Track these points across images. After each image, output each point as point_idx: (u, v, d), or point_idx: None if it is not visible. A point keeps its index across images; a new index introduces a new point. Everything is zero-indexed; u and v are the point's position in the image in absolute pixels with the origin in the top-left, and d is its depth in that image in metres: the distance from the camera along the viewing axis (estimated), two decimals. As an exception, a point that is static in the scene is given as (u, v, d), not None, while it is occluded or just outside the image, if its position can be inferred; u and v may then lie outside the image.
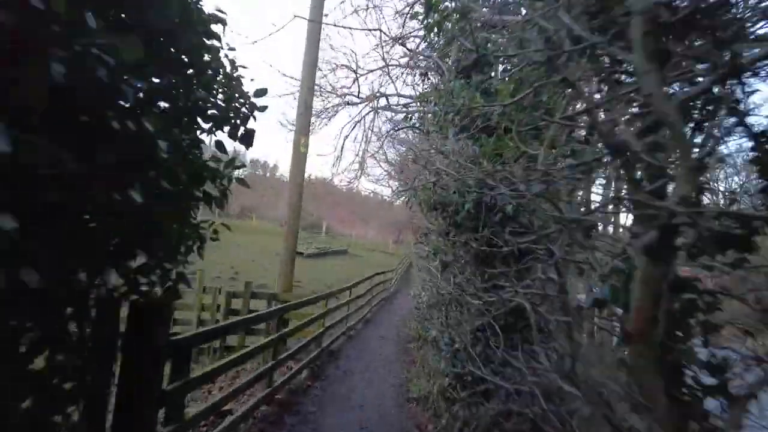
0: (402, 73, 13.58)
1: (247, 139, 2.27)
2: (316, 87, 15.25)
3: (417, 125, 4.74)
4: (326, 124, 16.11)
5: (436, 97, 4.29)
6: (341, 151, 16.80)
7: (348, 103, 15.30)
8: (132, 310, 2.72)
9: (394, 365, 7.72)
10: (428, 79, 4.38)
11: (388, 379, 6.91)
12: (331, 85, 15.19)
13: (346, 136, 16.78)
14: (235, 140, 2.25)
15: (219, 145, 2.23)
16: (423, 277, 5.55)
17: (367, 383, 6.55)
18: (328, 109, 15.87)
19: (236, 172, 2.68)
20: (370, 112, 16.69)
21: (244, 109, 2.21)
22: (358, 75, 15.54)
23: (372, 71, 15.56)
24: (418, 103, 14.74)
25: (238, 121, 2.23)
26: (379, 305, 15.32)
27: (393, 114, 16.76)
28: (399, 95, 16.21)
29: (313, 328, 7.00)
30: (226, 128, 2.22)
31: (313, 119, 15.50)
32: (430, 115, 4.46)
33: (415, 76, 15.24)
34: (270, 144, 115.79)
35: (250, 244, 29.89)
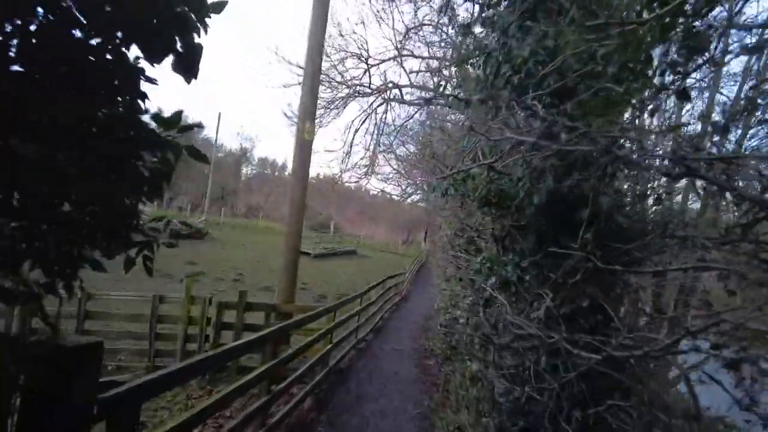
0: (432, 29, 12.44)
1: (188, 62, 1.20)
2: (324, 76, 14.26)
3: (454, 95, 3.64)
4: (337, 116, 15.15)
5: (480, 56, 3.22)
6: (350, 146, 15.84)
7: (357, 93, 14.28)
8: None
9: (413, 388, 6.65)
10: (470, 34, 3.33)
11: (407, 407, 5.83)
12: (341, 74, 14.17)
13: (356, 130, 15.81)
14: (159, 62, 1.19)
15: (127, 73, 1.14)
16: (457, 292, 4.48)
17: (383, 414, 5.48)
18: (336, 101, 14.91)
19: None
20: (381, 104, 15.70)
21: (183, 8, 1.15)
22: (369, 65, 14.54)
23: (384, 61, 14.57)
24: (452, 70, 13.65)
25: (172, 31, 1.17)
26: (391, 311, 14.26)
27: (407, 106, 15.74)
28: (413, 86, 15.22)
29: (319, 345, 5.96)
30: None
31: (321, 111, 14.53)
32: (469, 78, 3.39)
33: (430, 62, 14.20)
34: (277, 142, 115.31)
35: (257, 244, 29.04)
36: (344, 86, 14.92)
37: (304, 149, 6.27)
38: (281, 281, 6.42)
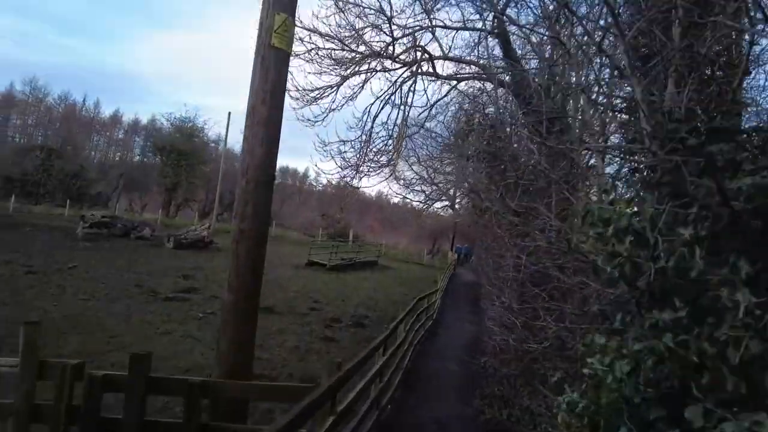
0: None
1: None
2: (337, 43, 11.26)
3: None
4: (353, 98, 12.01)
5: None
6: (369, 134, 12.56)
7: (380, 60, 11.16)
8: None
9: None
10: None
11: None
12: (359, 35, 11.03)
13: (379, 110, 12.47)
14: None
15: None
16: None
17: None
18: (358, 73, 11.76)
19: None
20: (408, 79, 12.45)
21: None
22: (395, 38, 11.37)
23: (413, 31, 11.40)
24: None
25: None
26: (423, 341, 10.93)
27: (436, 86, 12.54)
28: (448, 58, 12.05)
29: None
30: None
31: (327, 87, 11.52)
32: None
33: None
34: (293, 152, 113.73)
35: (266, 254, 26.07)
36: (364, 58, 11.69)
37: (270, 65, 3.08)
38: (224, 334, 3.10)
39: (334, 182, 11.81)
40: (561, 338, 4.34)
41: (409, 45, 11.66)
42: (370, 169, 11.78)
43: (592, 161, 4.51)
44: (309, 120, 11.99)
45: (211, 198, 33.08)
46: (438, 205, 35.17)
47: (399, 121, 11.39)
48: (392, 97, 12.14)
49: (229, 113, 27.92)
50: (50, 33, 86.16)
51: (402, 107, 11.26)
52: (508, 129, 7.25)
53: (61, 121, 58.56)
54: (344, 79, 10.98)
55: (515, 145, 6.66)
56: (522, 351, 5.79)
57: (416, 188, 32.07)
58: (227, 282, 3.15)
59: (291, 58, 12.14)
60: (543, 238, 3.52)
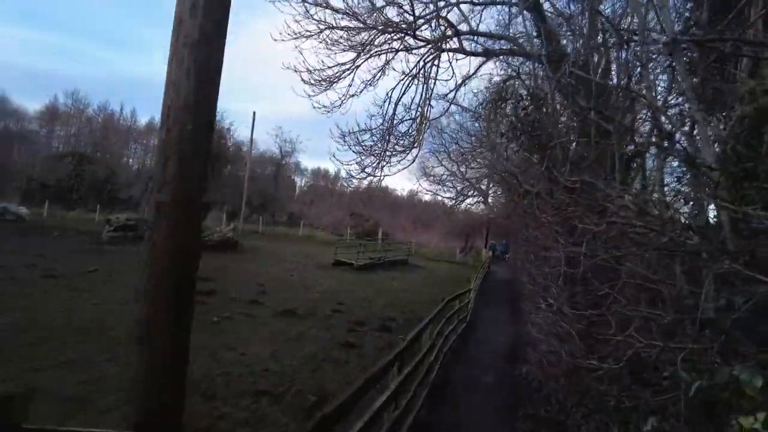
0: None
1: None
2: (352, 18, 10.23)
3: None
4: (374, 83, 10.95)
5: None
6: (391, 120, 11.45)
7: (401, 34, 10.04)
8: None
9: None
10: None
11: None
12: (377, 11, 9.95)
13: (398, 99, 11.34)
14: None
15: None
16: None
17: None
18: (379, 53, 10.72)
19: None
20: (431, 57, 11.26)
21: None
22: (416, 16, 10.23)
23: (437, 8, 10.25)
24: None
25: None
26: (455, 346, 9.73)
27: (465, 63, 11.34)
28: (477, 33, 10.82)
29: None
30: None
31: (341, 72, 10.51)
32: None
33: None
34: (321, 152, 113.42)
35: (293, 254, 25.50)
36: (383, 33, 10.57)
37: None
38: (139, 364, 1.98)
39: (354, 173, 10.56)
40: (639, 355, 3.10)
41: (432, 17, 10.45)
42: (393, 155, 10.69)
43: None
44: (325, 107, 11.01)
45: (238, 200, 32.98)
46: (470, 200, 33.59)
47: (423, 101, 10.25)
48: (416, 78, 11.01)
49: (254, 113, 27.52)
50: (91, 47, 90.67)
51: (426, 84, 10.11)
52: (548, 96, 6.01)
53: (100, 131, 60.58)
54: (360, 55, 9.92)
55: (563, 114, 5.42)
56: (575, 365, 4.56)
57: (447, 184, 30.62)
58: (140, 285, 2.04)
59: (302, 39, 11.07)
60: (619, 210, 2.32)
